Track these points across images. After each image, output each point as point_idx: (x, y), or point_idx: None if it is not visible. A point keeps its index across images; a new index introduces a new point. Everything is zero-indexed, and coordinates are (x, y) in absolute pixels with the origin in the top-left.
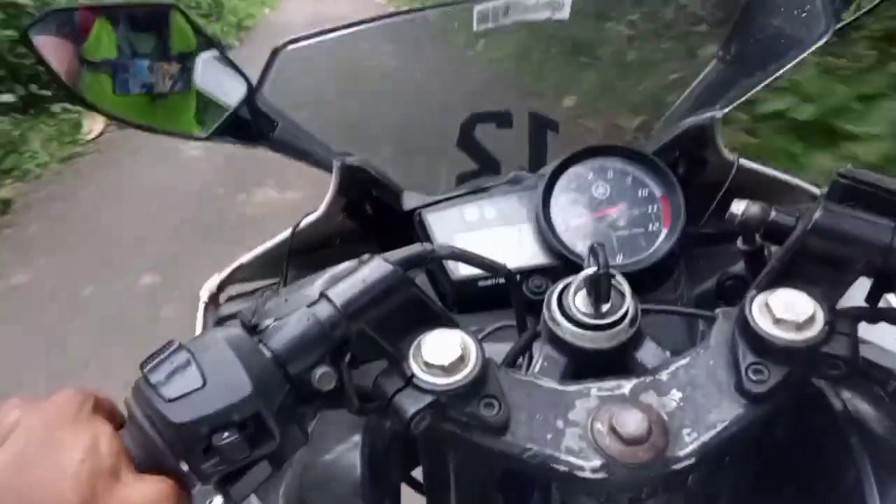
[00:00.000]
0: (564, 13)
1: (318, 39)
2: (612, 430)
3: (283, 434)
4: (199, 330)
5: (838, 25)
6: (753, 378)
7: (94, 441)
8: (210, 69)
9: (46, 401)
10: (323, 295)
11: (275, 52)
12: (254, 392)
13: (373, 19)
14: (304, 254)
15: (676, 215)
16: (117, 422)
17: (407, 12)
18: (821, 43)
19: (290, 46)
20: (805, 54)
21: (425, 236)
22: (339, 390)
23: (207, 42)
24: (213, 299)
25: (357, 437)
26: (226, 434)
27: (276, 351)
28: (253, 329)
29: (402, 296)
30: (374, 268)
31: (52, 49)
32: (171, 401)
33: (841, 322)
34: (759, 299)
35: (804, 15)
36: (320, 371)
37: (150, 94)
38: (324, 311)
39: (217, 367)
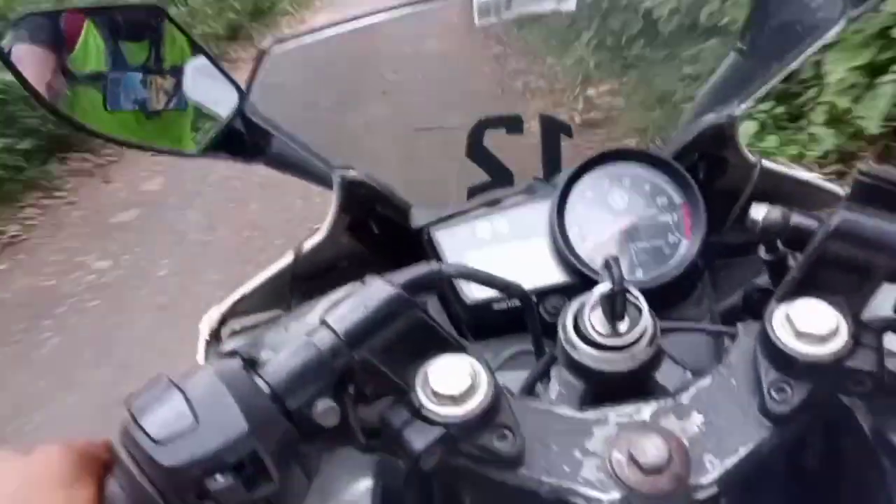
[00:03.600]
0: (571, 4)
1: (309, 39)
2: (632, 458)
3: (283, 475)
4: None
5: (854, 13)
6: (776, 397)
7: None
8: (200, 78)
9: (26, 457)
10: (323, 322)
11: (261, 54)
12: (249, 430)
13: (365, 14)
14: (309, 280)
15: (698, 224)
16: (105, 469)
17: (403, 6)
18: (836, 30)
19: (278, 47)
20: (819, 43)
21: (435, 255)
22: (344, 426)
23: (196, 49)
24: (215, 334)
25: (369, 478)
26: (220, 477)
27: (273, 384)
28: (251, 362)
29: (406, 320)
30: (376, 291)
31: (30, 60)
32: (160, 443)
33: (866, 334)
34: (781, 311)
35: (817, 3)
36: (322, 405)
37: (144, 111)
38: (324, 339)
39: (209, 404)
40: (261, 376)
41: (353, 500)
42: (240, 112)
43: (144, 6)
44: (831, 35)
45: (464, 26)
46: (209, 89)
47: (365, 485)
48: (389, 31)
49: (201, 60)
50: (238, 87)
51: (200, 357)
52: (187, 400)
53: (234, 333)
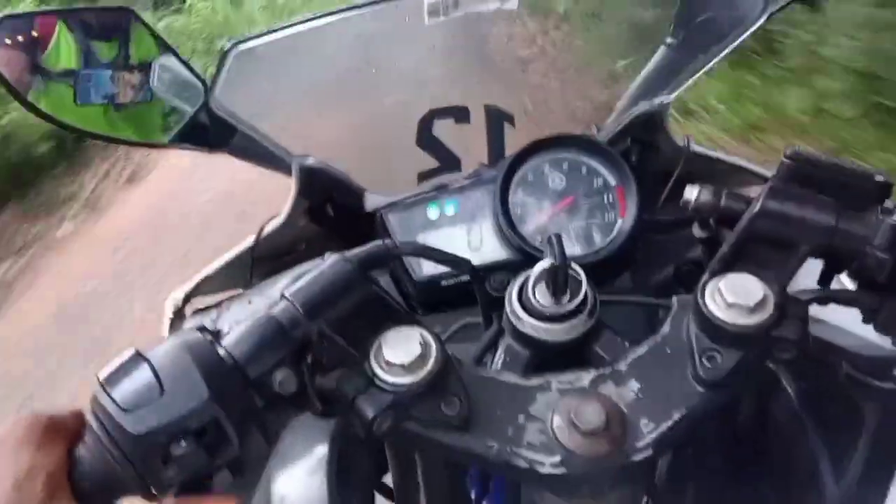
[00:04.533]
0: (513, 3)
1: (268, 38)
2: (572, 423)
3: (243, 441)
4: None
5: (774, 8)
6: (707, 364)
7: (32, 471)
8: (167, 74)
9: None
10: (282, 295)
11: (225, 53)
12: (211, 398)
13: (321, 15)
14: (270, 261)
15: (631, 204)
16: (75, 436)
17: (357, 7)
18: (758, 24)
19: (240, 46)
20: (743, 37)
21: (388, 236)
22: (302, 394)
23: (164, 47)
24: (179, 313)
25: (325, 444)
26: (183, 443)
27: (235, 354)
28: (215, 334)
29: (361, 293)
30: (332, 266)
31: (6, 58)
32: (127, 410)
33: (792, 305)
34: (712, 285)
35: None
36: (281, 374)
37: (112, 104)
38: (283, 311)
39: (174, 373)
40: (224, 347)
41: (310, 465)
42: (204, 106)
43: (114, 7)
44: (753, 29)
45: None
46: (176, 85)
47: (321, 450)
48: None
49: (168, 58)
50: (203, 83)
51: (165, 333)
52: (154, 370)
53: (197, 311)
